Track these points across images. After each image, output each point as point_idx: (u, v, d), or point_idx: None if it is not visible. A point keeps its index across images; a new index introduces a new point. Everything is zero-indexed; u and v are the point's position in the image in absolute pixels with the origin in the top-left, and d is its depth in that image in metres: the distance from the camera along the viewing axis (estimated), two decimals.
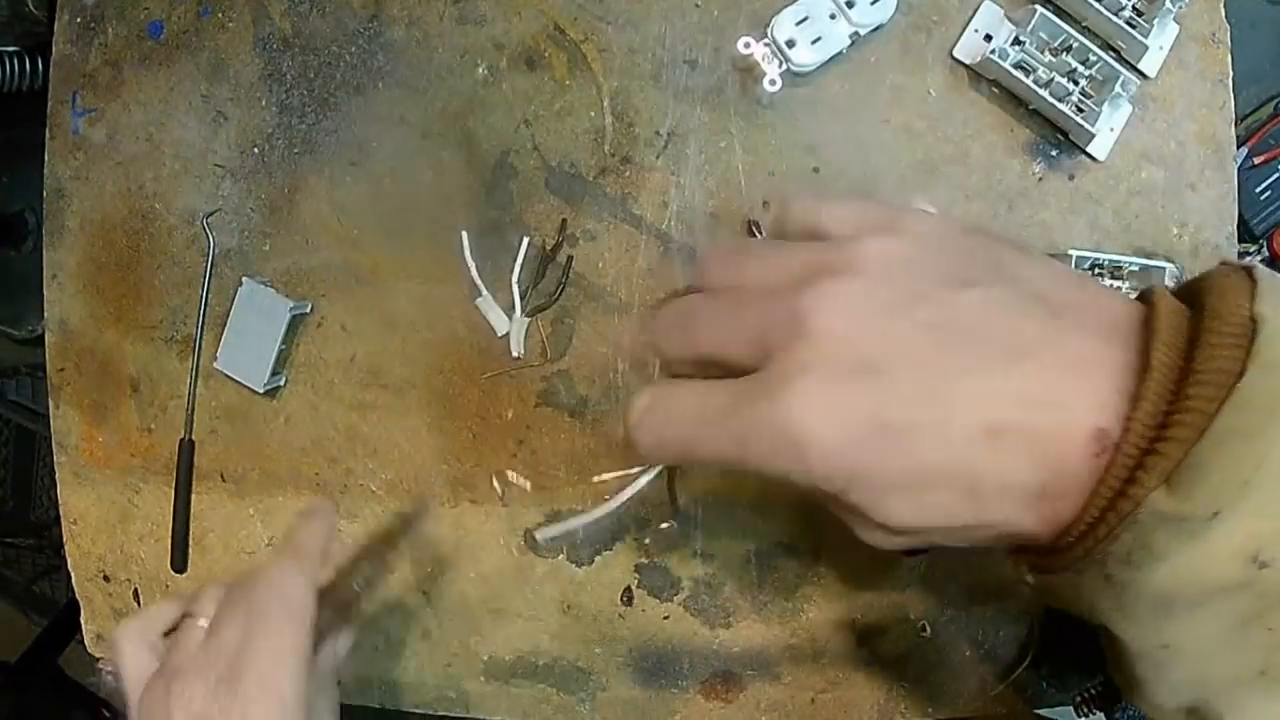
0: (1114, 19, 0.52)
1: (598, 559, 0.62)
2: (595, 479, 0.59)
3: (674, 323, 0.35)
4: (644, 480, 0.37)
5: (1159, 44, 0.53)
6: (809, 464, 0.29)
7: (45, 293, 0.70)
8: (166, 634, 0.44)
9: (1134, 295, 0.31)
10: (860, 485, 0.29)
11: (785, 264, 0.32)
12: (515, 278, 0.60)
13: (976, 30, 0.55)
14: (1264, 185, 0.69)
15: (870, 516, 0.30)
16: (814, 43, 0.54)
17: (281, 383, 0.65)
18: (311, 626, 0.41)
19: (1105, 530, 0.26)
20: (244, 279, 0.64)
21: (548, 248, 0.60)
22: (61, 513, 0.71)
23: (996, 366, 0.28)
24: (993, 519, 0.29)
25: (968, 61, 0.55)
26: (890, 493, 0.29)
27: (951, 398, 0.28)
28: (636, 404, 0.34)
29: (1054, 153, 0.55)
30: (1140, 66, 0.54)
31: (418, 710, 0.66)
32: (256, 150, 0.65)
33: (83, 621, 0.72)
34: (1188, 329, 0.27)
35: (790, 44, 0.54)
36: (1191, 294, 0.29)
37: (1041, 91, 0.52)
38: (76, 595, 0.72)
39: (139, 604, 0.71)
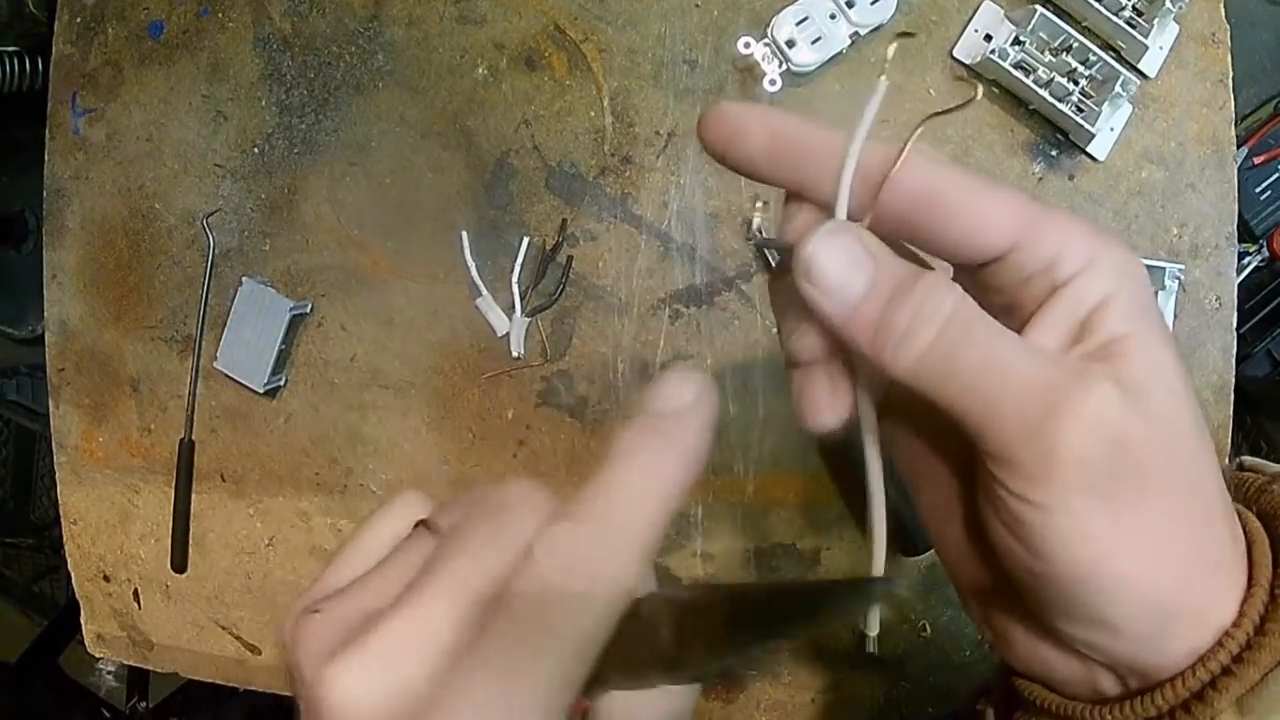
0: (1114, 19, 0.52)
1: None
2: None
3: None
4: None
5: (1159, 44, 0.53)
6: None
7: (45, 293, 0.70)
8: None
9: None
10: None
11: None
12: (515, 278, 0.60)
13: (976, 30, 0.55)
14: (1264, 185, 0.69)
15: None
16: (814, 43, 0.54)
17: (281, 383, 0.65)
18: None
19: None
20: (244, 279, 0.64)
21: (548, 248, 0.60)
22: (61, 513, 0.71)
23: None
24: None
25: (968, 61, 0.55)
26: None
27: None
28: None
29: (1054, 153, 0.55)
30: (1140, 66, 0.54)
31: None
32: (256, 150, 0.65)
33: (83, 621, 0.72)
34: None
35: (790, 44, 0.54)
36: (1262, 514, 0.28)
37: (1041, 91, 0.52)
38: (76, 595, 0.72)
39: (139, 604, 0.71)
